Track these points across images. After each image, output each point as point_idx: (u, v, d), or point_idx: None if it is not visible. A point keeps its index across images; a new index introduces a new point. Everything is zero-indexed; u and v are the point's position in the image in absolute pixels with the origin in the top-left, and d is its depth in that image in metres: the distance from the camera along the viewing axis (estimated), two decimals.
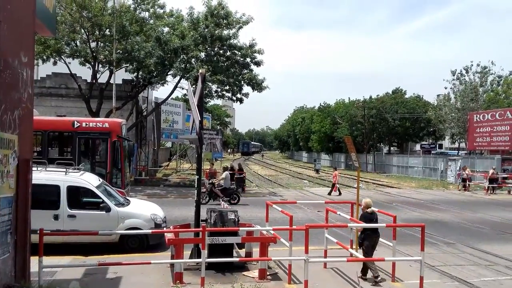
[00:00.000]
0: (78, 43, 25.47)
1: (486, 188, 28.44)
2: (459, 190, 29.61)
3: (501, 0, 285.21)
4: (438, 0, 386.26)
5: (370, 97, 60.74)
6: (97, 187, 11.07)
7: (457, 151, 54.39)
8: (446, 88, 48.16)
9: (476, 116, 37.87)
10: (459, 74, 45.72)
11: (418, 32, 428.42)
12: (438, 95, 57.17)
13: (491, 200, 24.64)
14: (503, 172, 30.30)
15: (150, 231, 10.09)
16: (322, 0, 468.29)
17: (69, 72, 27.06)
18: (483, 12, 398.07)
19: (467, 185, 29.67)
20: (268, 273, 8.71)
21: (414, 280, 8.31)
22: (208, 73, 24.87)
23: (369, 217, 8.98)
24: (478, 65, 45.06)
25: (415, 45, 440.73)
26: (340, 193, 25.11)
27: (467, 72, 45.36)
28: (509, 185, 29.24)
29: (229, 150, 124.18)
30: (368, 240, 8.72)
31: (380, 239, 9.36)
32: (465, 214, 18.95)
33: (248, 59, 26.41)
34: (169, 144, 53.61)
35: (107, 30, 25.13)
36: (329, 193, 25.05)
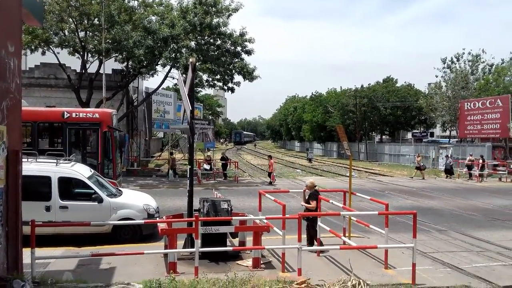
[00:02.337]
0: (66, 33, 25.16)
1: (478, 175, 28.67)
2: (412, 177, 29.10)
3: None
4: None
5: (362, 86, 60.82)
6: (89, 178, 10.98)
7: (448, 139, 54.72)
8: (437, 76, 48.27)
9: (467, 104, 38.05)
10: (450, 62, 45.84)
11: (408, 22, 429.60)
12: (429, 84, 57.31)
13: (483, 187, 24.86)
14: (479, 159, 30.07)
15: (143, 221, 10.05)
16: None
17: (58, 62, 26.74)
18: (473, 1, 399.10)
19: (422, 173, 29.44)
20: (261, 262, 8.72)
21: (406, 267, 8.36)
22: (199, 62, 24.70)
23: (318, 194, 9.89)
24: (469, 53, 45.21)
25: (405, 35, 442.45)
26: (271, 183, 24.71)
27: (458, 60, 45.46)
28: (500, 172, 29.50)
29: (221, 140, 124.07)
30: (316, 220, 9.51)
31: (373, 226, 9.44)
32: (457, 201, 19.11)
33: (239, 48, 26.28)
34: (160, 135, 53.35)
35: (96, 19, 24.82)
36: (270, 183, 24.93)
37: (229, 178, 27.61)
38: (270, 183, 24.62)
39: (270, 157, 28.10)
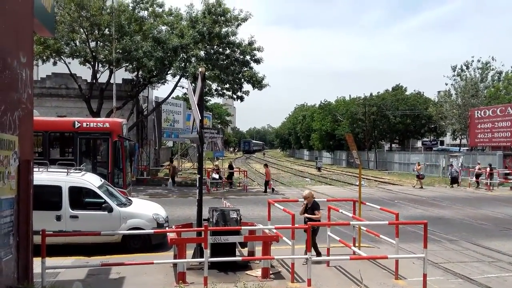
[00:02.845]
0: (77, 43, 25.42)
1: (487, 184, 28.35)
2: (414, 187, 28.88)
3: None
4: None
5: (371, 94, 60.64)
6: (99, 187, 11.04)
7: (458, 148, 54.27)
8: (446, 84, 48.11)
9: (477, 112, 37.77)
10: (460, 70, 45.63)
11: (416, 29, 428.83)
12: (438, 92, 56.96)
13: (493, 196, 24.59)
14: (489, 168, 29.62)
15: (153, 231, 10.06)
16: None
17: (69, 72, 27.03)
18: (480, 9, 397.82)
19: (421, 181, 29.12)
20: (271, 272, 8.68)
21: (417, 278, 8.28)
22: (208, 72, 24.84)
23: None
24: (478, 60, 44.97)
25: (414, 43, 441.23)
26: (273, 191, 25.02)
27: (467, 68, 45.24)
28: (511, 181, 29.15)
29: (230, 149, 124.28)
30: (317, 229, 9.41)
31: (383, 236, 9.36)
32: (468, 210, 18.91)
33: (248, 57, 26.40)
34: (170, 144, 53.59)
35: (106, 29, 25.09)
36: (265, 191, 25.14)
37: (238, 188, 27.62)
38: (273, 190, 24.74)
39: (266, 165, 28.34)
